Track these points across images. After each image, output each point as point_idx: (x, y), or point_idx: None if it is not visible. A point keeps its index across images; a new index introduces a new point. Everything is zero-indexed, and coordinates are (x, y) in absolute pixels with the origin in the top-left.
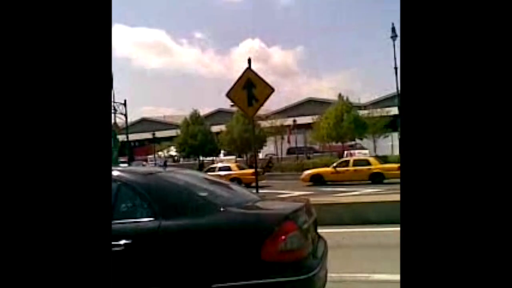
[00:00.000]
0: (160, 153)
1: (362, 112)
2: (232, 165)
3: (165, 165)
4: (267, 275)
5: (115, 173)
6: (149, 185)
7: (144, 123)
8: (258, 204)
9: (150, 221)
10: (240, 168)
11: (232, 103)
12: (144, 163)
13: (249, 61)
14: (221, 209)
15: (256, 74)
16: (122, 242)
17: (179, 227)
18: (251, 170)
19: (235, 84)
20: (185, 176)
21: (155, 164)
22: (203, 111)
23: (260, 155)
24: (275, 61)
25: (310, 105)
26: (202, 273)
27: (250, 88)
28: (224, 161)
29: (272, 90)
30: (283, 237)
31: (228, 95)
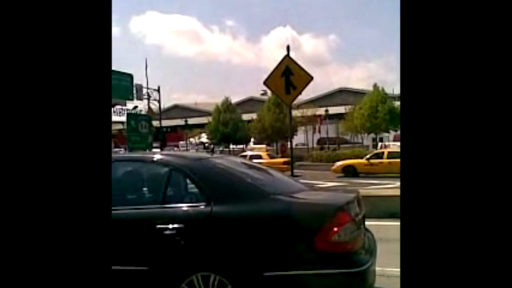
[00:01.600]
0: (191, 139)
1: (398, 104)
2: (263, 154)
3: (212, 151)
4: (319, 266)
5: (166, 158)
6: (200, 170)
7: (176, 110)
8: (309, 193)
9: (202, 206)
10: (271, 157)
11: (263, 92)
12: (176, 148)
13: (288, 48)
14: (273, 196)
15: (294, 62)
16: (175, 226)
17: (231, 213)
18: (282, 159)
19: (273, 72)
20: (232, 162)
21: (187, 150)
22: (234, 99)
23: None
24: (306, 49)
25: (342, 95)
26: (253, 260)
27: (288, 76)
28: (255, 149)
29: (311, 78)
30: (336, 228)
31: (266, 83)
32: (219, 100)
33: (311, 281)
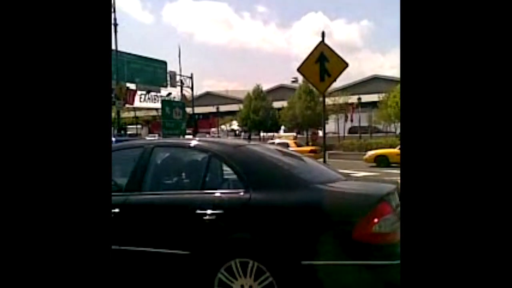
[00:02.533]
0: (222, 126)
1: None
2: (290, 142)
3: (249, 138)
4: (358, 257)
5: (205, 144)
6: (239, 157)
7: (208, 97)
8: (348, 182)
9: (241, 193)
10: (298, 145)
11: (293, 79)
12: (207, 135)
13: (323, 34)
14: (312, 185)
15: (329, 48)
16: (214, 212)
17: (271, 201)
18: (309, 148)
19: (307, 58)
20: (268, 149)
21: (218, 137)
22: (265, 86)
23: (321, 133)
24: (338, 35)
25: (375, 82)
26: (291, 249)
27: (322, 63)
28: (283, 137)
29: (346, 65)
30: (377, 219)
31: (299, 69)
32: (250, 87)
33: (349, 271)
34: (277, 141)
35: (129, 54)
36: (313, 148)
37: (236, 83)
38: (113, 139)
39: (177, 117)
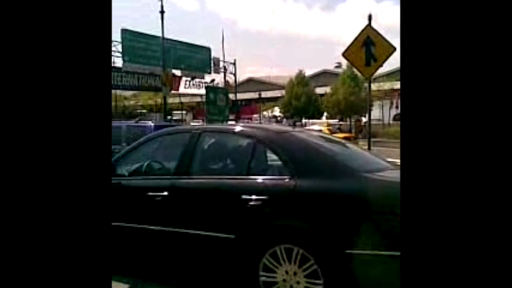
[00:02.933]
0: (264, 113)
1: None
2: (324, 129)
3: (294, 124)
4: None
5: (250, 130)
6: (284, 144)
7: (251, 83)
8: (397, 172)
9: (286, 179)
10: (332, 132)
11: (337, 64)
12: (249, 121)
13: (369, 17)
14: (360, 174)
15: (376, 32)
16: (259, 197)
17: (316, 189)
18: (343, 134)
19: (352, 42)
20: (315, 136)
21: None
22: (307, 72)
23: (364, 120)
24: (384, 19)
25: None
26: (336, 237)
27: (369, 47)
28: (316, 123)
29: (394, 49)
30: None
31: (344, 54)
32: (292, 73)
33: (394, 263)
34: (311, 127)
35: (175, 41)
36: (347, 135)
37: (279, 68)
38: (151, 124)
39: (221, 103)
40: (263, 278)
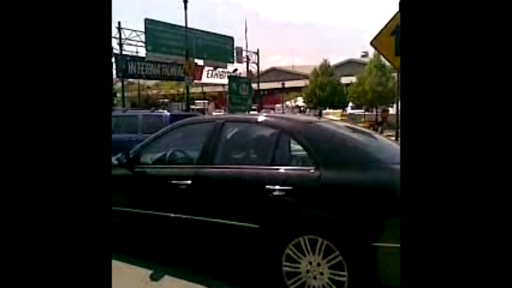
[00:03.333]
0: (287, 102)
1: None
2: (338, 119)
3: (320, 114)
4: None
5: (275, 120)
6: (309, 134)
7: (273, 73)
8: None
9: (311, 170)
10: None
11: (363, 53)
12: (272, 111)
13: (400, 3)
14: (387, 166)
15: None
16: (283, 188)
17: (342, 180)
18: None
19: (381, 31)
20: (340, 127)
21: (283, 113)
22: (332, 61)
23: (391, 110)
24: None
25: None
26: (362, 229)
27: (399, 35)
28: (330, 114)
29: None
30: None
31: (373, 43)
32: (316, 62)
33: None
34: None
35: (198, 30)
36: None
37: (302, 58)
38: (167, 113)
39: (244, 93)
40: (286, 268)
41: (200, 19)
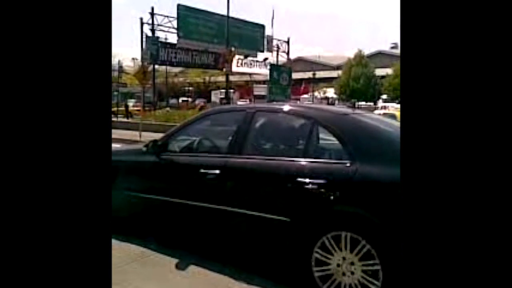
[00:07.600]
0: (316, 93)
1: None
2: (398, 114)
3: (354, 106)
4: None
5: (309, 111)
6: (344, 126)
7: (300, 63)
8: None
9: (346, 163)
10: None
11: (393, 45)
12: (298, 102)
13: None
14: None
15: None
16: (317, 181)
17: (378, 175)
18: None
19: None
20: (376, 119)
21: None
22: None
23: None
24: None
25: None
26: (395, 227)
27: None
28: (388, 107)
29: None
30: None
31: None
32: (344, 53)
33: None
34: (381, 112)
35: (230, 17)
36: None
37: (326, 49)
38: (197, 101)
39: (284, 82)
40: (315, 269)
41: (225, 7)
